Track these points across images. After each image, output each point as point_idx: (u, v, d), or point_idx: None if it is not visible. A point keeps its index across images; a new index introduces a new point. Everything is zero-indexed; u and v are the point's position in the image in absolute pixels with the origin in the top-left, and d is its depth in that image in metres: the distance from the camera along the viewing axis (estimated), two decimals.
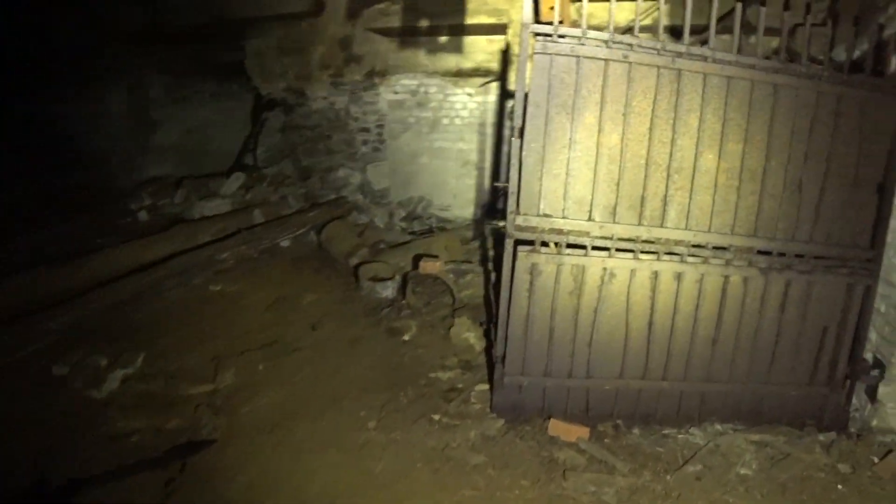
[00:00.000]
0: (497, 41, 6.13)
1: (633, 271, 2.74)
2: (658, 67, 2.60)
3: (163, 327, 3.58)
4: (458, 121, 6.44)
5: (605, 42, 2.54)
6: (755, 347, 2.99)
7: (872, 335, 3.15)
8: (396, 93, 6.46)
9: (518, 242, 2.62)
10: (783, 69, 2.68)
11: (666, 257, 2.77)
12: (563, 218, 2.63)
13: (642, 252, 2.73)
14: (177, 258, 4.27)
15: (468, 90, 6.33)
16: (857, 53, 3.19)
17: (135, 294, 3.82)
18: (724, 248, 2.84)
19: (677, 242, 2.77)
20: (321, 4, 6.25)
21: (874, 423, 3.10)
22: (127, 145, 7.54)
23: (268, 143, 6.81)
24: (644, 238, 2.73)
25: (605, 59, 2.55)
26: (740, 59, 2.63)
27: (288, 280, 4.29)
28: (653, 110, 2.65)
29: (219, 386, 3.03)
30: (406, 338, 3.62)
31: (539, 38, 2.51)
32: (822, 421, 3.10)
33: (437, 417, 2.78)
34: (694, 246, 2.81)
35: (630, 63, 2.57)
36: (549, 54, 2.52)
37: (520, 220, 2.59)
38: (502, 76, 6.14)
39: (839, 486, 2.54)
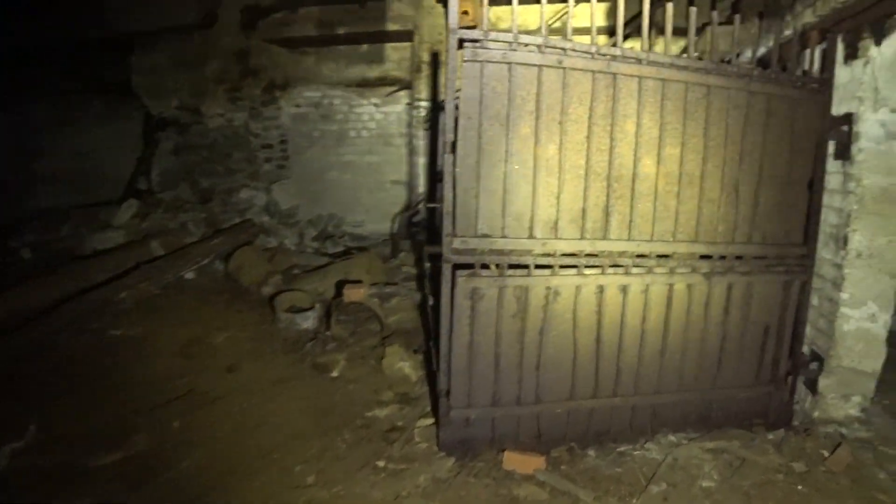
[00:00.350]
0: (403, 48, 6.26)
1: (578, 288, 2.83)
2: (593, 72, 2.67)
3: (58, 385, 3.30)
4: (365, 133, 6.62)
5: (539, 47, 2.57)
6: (702, 353, 3.18)
7: (808, 329, 3.48)
8: (299, 106, 6.53)
9: (456, 267, 2.63)
10: (715, 70, 2.84)
11: (611, 270, 2.88)
12: (503, 237, 2.67)
13: (586, 267, 2.83)
14: (68, 302, 3.96)
15: (374, 100, 6.51)
16: (762, 51, 3.46)
17: (21, 347, 3.49)
18: (667, 256, 3.01)
19: (621, 254, 2.89)
20: (213, 15, 6.03)
21: (816, 414, 3.42)
22: (5, 175, 7.04)
23: (162, 165, 6.59)
24: (587, 252, 2.82)
25: (539, 66, 2.59)
26: (675, 62, 2.76)
27: (196, 318, 4.08)
28: (590, 117, 2.72)
29: (130, 452, 2.82)
30: (335, 374, 3.55)
31: (467, 44, 2.50)
32: (769, 418, 3.36)
33: (381, 464, 2.74)
34: (638, 256, 2.94)
35: (564, 69, 2.62)
36: (480, 61, 2.52)
37: (457, 244, 2.59)
38: (410, 84, 6.27)
39: (799, 487, 2.76)
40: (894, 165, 3.18)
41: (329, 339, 3.88)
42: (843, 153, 3.21)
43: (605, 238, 2.85)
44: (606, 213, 2.84)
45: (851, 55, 3.11)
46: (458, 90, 2.53)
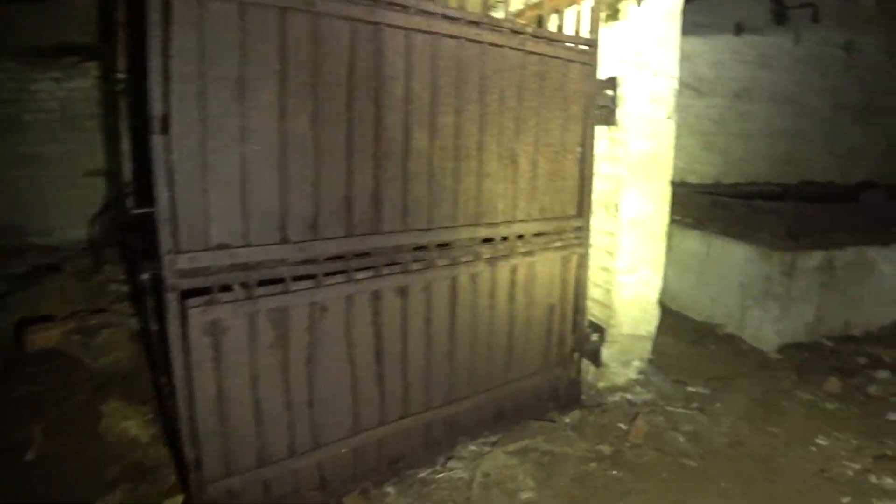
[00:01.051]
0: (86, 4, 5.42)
1: (349, 298, 2.66)
2: (352, 20, 2.45)
3: None
4: (45, 116, 5.96)
5: None
6: (491, 347, 3.31)
7: (589, 302, 3.91)
8: None
9: (186, 293, 2.23)
10: (489, 24, 2.87)
11: (386, 270, 2.76)
12: (247, 246, 2.33)
13: (357, 270, 2.67)
14: None
15: (54, 74, 5.85)
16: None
17: None
18: (447, 245, 3.02)
19: (397, 249, 2.80)
20: None
21: (600, 384, 3.91)
22: None
23: None
24: (357, 251, 2.66)
25: (282, 7, 2.27)
26: (447, 12, 2.69)
27: None
28: (349, 80, 2.51)
29: None
30: (31, 456, 2.85)
31: None
32: (560, 401, 3.71)
33: None
34: (416, 249, 2.89)
35: (316, 13, 2.35)
36: None
37: (183, 262, 2.18)
38: (102, 51, 5.69)
39: (614, 473, 3.08)
40: (658, 130, 3.68)
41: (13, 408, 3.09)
42: (610, 118, 3.60)
43: (376, 232, 2.71)
44: (377, 201, 2.69)
45: (613, 16, 3.45)
46: (167, 39, 2.08)
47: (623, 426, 3.51)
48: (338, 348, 2.68)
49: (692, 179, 6.27)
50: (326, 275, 2.57)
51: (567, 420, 3.57)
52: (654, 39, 3.49)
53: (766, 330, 4.67)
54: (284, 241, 2.43)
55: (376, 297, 2.76)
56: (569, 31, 3.34)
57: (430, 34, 2.68)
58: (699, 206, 5.54)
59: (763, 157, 6.48)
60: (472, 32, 2.81)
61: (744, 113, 6.30)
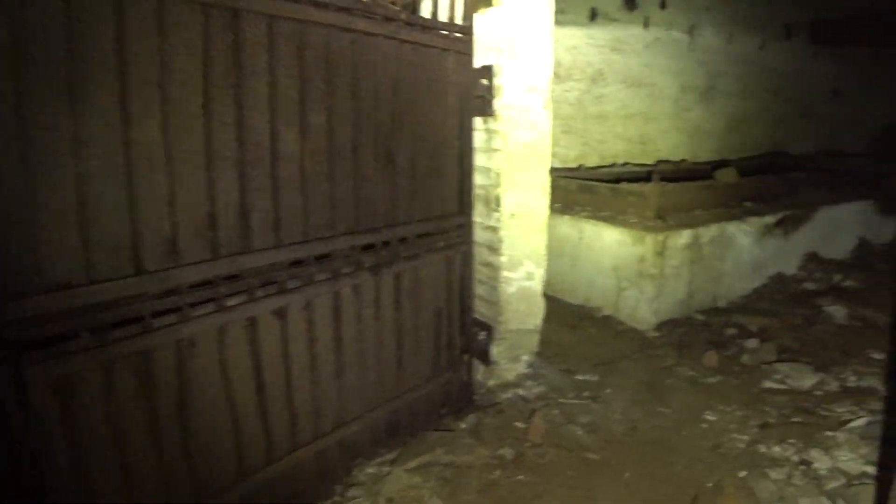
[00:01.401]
0: None
1: (221, 330, 2.36)
2: (205, 5, 2.15)
3: None
4: None
5: None
6: (381, 360, 3.15)
7: (475, 301, 3.85)
8: None
9: (20, 348, 1.84)
10: (362, 11, 2.66)
11: (261, 292, 2.50)
12: (93, 283, 1.98)
13: (228, 296, 2.39)
14: None
15: None
16: None
17: None
18: (326, 257, 2.80)
19: (271, 267, 2.53)
20: None
21: (490, 383, 3.88)
22: None
23: None
24: (227, 274, 2.38)
25: None
26: None
27: None
28: (205, 76, 2.20)
29: None
30: None
31: None
32: (454, 405, 3.64)
33: None
34: (292, 265, 2.64)
35: None
36: None
37: (12, 310, 1.80)
38: None
39: (520, 478, 3.04)
40: (536, 120, 3.66)
41: None
42: (486, 109, 3.53)
43: (247, 250, 2.43)
44: (244, 215, 2.41)
45: (486, 2, 3.36)
46: None
47: (520, 425, 3.50)
48: (213, 387, 2.39)
49: (555, 163, 6.43)
50: (193, 305, 2.26)
51: (463, 426, 3.51)
52: (528, 26, 3.46)
53: (642, 310, 4.88)
54: (139, 272, 2.10)
55: (252, 323, 2.49)
56: (443, 18, 3.21)
57: (297, 22, 2.44)
58: (567, 190, 5.68)
59: (619, 137, 6.79)
60: (343, 20, 2.59)
61: (599, 96, 6.55)
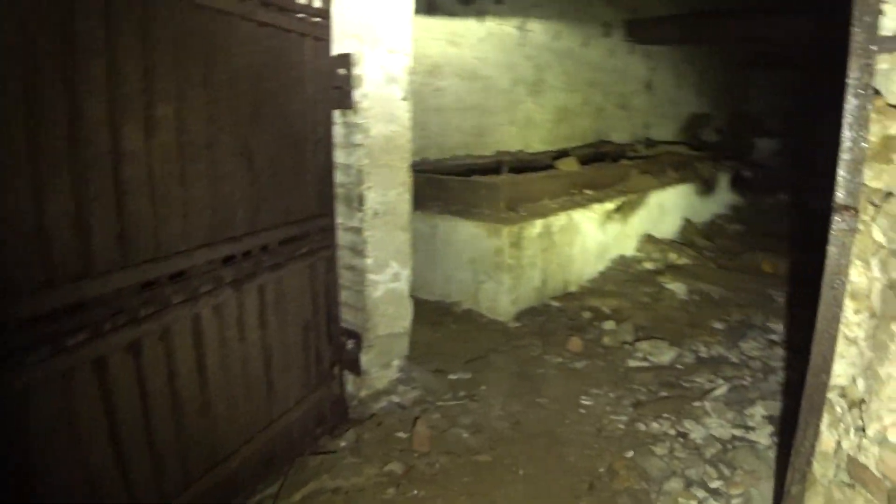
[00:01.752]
0: None
1: (65, 375, 1.89)
2: None
3: None
4: None
5: None
6: (250, 387, 2.79)
7: (342, 309, 3.56)
8: None
9: None
10: None
11: (109, 325, 2.03)
12: None
13: (68, 334, 1.91)
14: None
15: None
16: None
17: None
18: (183, 274, 2.38)
19: (118, 293, 2.08)
20: None
21: (363, 393, 3.62)
22: None
23: None
24: (65, 306, 1.90)
25: None
26: None
27: None
28: (28, 54, 1.73)
29: None
30: None
31: None
32: (329, 422, 3.38)
33: None
34: (145, 287, 2.20)
35: None
36: None
37: None
38: None
39: (416, 493, 2.85)
40: (397, 112, 3.45)
41: None
42: (345, 101, 3.24)
43: (87, 274, 1.96)
44: (82, 229, 1.95)
45: None
46: None
47: (403, 435, 3.31)
48: (58, 443, 1.91)
49: None
50: (25, 350, 1.78)
51: (343, 444, 3.24)
52: (387, 13, 3.22)
53: (502, 301, 4.87)
54: None
55: (101, 365, 2.03)
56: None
57: None
58: (416, 184, 5.53)
59: (458, 130, 6.78)
60: None
61: (438, 89, 6.48)
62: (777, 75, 11.88)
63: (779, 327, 4.61)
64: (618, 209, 5.89)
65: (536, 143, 7.75)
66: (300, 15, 2.80)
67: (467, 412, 3.56)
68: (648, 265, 6.05)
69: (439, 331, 4.77)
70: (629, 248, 6.25)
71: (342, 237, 3.49)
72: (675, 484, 2.91)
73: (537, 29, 7.43)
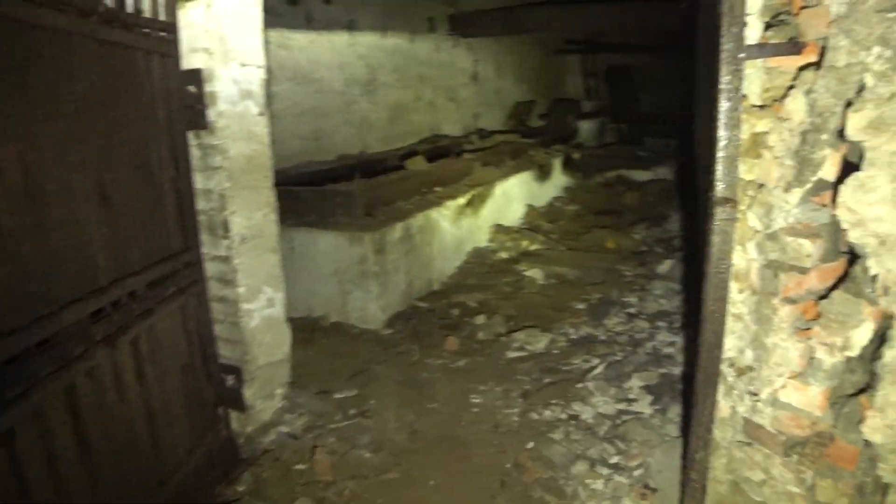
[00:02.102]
0: None
1: None
2: None
3: None
4: None
5: None
6: (136, 452, 2.49)
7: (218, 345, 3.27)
8: None
9: None
10: (49, 1, 1.94)
11: None
12: None
13: None
14: None
15: None
16: None
17: None
18: (49, 341, 2.04)
19: None
20: None
21: (249, 429, 3.40)
22: None
23: None
24: None
25: None
26: None
27: None
28: None
29: None
30: None
31: None
32: (220, 469, 3.11)
33: None
34: (8, 364, 1.85)
35: None
36: None
37: None
38: None
39: None
40: (255, 129, 3.24)
41: None
42: (199, 121, 2.97)
43: None
44: None
45: None
46: None
47: (302, 466, 3.15)
48: None
49: None
50: None
51: (242, 488, 3.03)
52: (238, 24, 2.98)
53: (371, 309, 4.78)
54: None
55: None
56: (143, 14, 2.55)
57: None
58: None
59: (294, 136, 6.51)
60: (26, 13, 1.85)
61: (271, 94, 6.16)
62: (589, 60, 12.92)
63: (633, 300, 4.96)
64: (468, 203, 6.00)
65: (374, 142, 7.66)
66: (145, 30, 2.48)
67: (363, 430, 3.46)
68: (503, 254, 6.23)
69: (311, 348, 4.57)
70: (482, 240, 6.39)
71: (210, 268, 3.21)
72: (580, 467, 3.03)
73: (366, 27, 7.33)
